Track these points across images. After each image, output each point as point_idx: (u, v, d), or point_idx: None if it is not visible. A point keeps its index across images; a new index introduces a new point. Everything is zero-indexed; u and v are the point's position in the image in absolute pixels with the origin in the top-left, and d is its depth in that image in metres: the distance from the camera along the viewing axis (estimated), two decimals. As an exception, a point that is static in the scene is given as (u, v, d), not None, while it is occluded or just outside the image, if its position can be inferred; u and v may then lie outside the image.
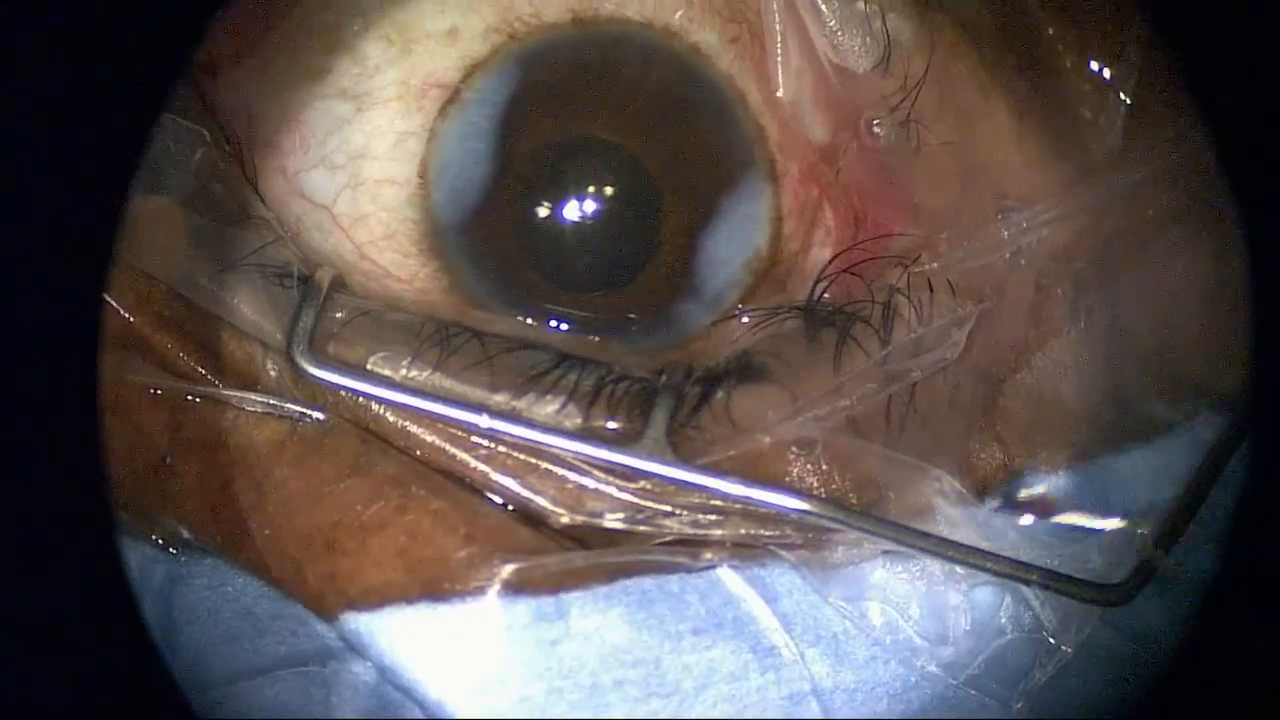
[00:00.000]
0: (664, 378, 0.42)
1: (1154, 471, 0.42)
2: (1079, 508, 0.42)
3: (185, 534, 0.43)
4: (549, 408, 0.42)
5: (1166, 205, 0.42)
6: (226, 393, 0.42)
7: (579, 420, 0.42)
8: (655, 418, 0.41)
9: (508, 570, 0.41)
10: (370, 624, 0.41)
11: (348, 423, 0.43)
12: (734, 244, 0.43)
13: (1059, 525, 0.42)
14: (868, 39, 0.41)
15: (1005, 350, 0.43)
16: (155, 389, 0.42)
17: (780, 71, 0.42)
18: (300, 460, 0.42)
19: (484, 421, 0.41)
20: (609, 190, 0.43)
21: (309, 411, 0.43)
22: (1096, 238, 0.42)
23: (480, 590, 0.41)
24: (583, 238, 0.43)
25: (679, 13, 0.43)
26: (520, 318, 0.44)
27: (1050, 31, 0.41)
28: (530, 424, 0.41)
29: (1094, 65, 0.41)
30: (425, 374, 0.42)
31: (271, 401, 0.43)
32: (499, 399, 0.42)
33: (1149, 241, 0.42)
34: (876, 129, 0.42)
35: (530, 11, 0.43)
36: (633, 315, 0.44)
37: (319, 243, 0.44)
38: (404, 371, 0.42)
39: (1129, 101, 0.41)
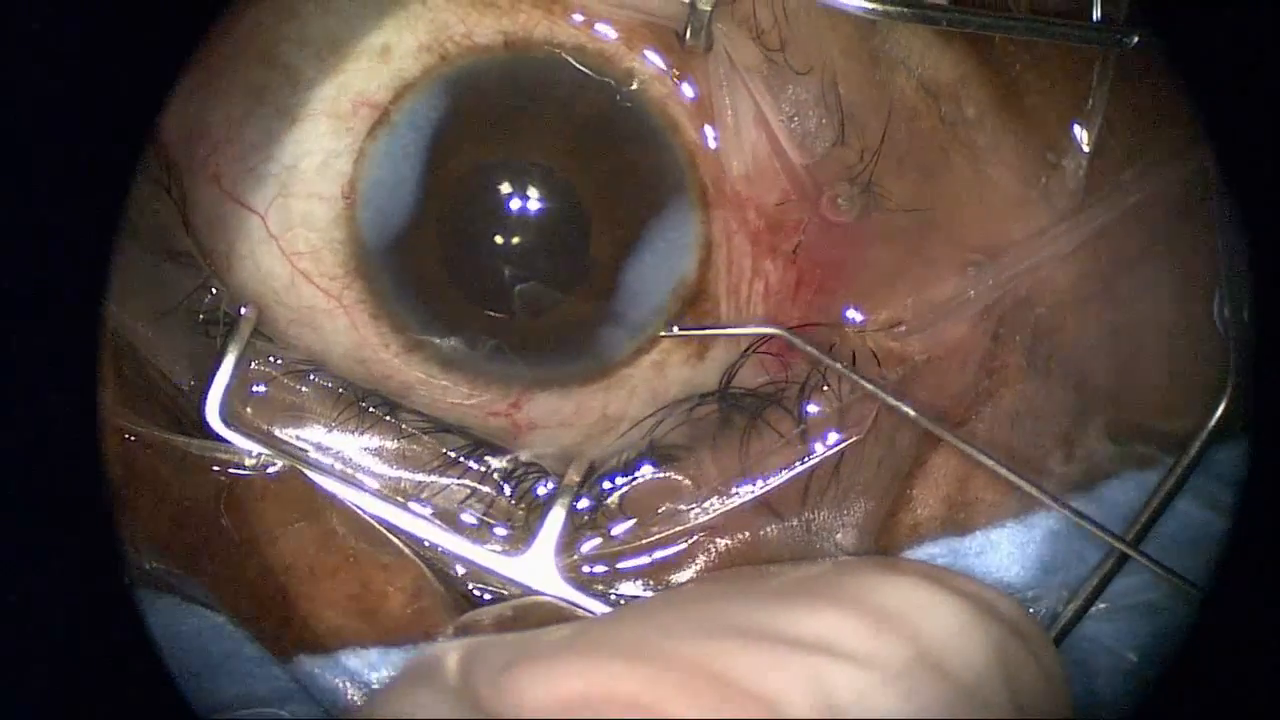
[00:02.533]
0: (569, 473, 0.44)
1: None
2: (1000, 567, 0.43)
3: (148, 565, 0.44)
4: (456, 495, 0.44)
5: (1128, 246, 0.42)
6: (171, 437, 0.43)
7: (481, 508, 0.44)
8: (550, 519, 0.43)
9: (455, 621, 0.43)
10: (325, 668, 0.43)
11: (299, 469, 0.44)
12: (661, 270, 0.44)
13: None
14: (823, 120, 0.41)
15: (951, 403, 0.43)
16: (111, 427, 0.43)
17: (734, 153, 0.43)
18: (247, 504, 0.44)
19: (378, 508, 0.44)
20: (537, 214, 0.43)
21: (256, 456, 0.44)
22: (1058, 282, 0.42)
23: (430, 638, 0.43)
24: (510, 262, 0.44)
25: (614, 39, 0.42)
26: (444, 339, 0.44)
27: (1015, 71, 0.41)
28: (426, 519, 0.44)
29: (1059, 105, 0.41)
30: (340, 445, 0.44)
31: (217, 448, 0.44)
32: (408, 477, 0.44)
33: (1111, 283, 0.42)
34: (840, 202, 0.42)
35: (463, 32, 0.42)
36: (559, 340, 0.44)
37: (249, 271, 0.44)
38: (318, 440, 0.44)
39: (1093, 141, 0.41)
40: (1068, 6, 0.39)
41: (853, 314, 0.43)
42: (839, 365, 0.42)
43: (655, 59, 0.42)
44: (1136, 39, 0.38)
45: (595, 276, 0.44)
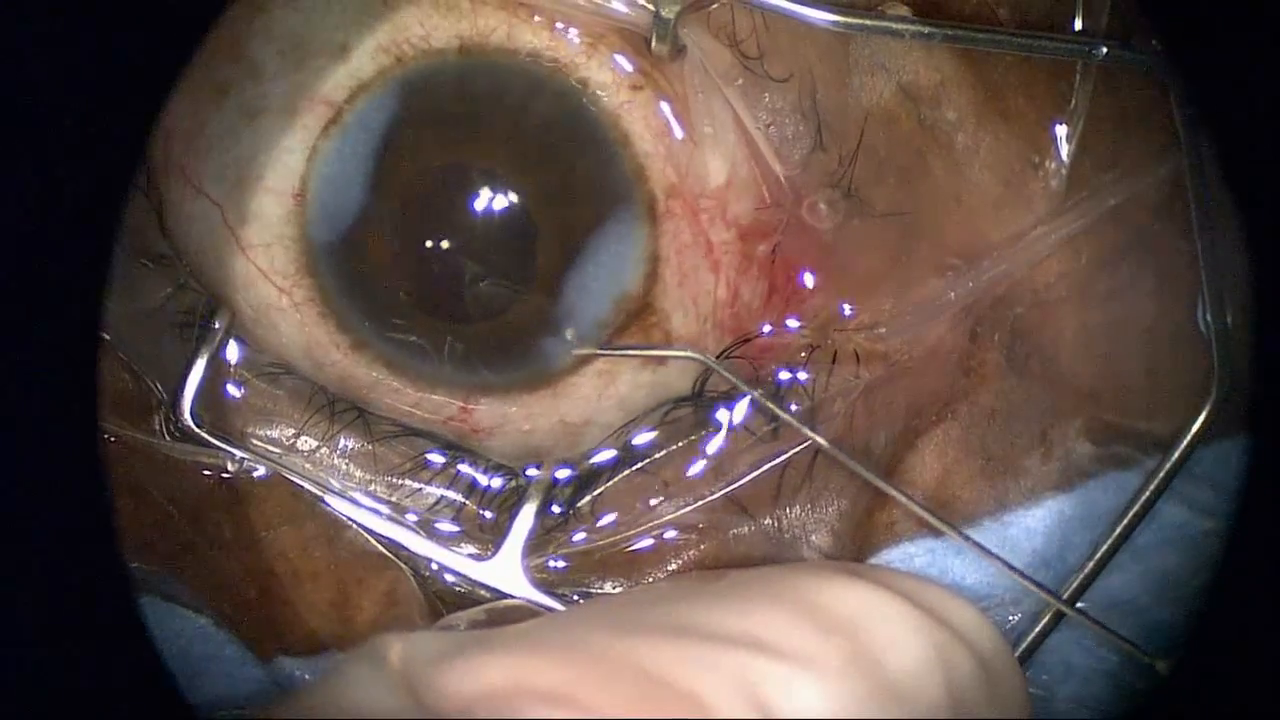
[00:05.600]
0: (538, 474, 0.45)
1: (1068, 521, 0.44)
2: (978, 567, 0.44)
3: (130, 566, 0.45)
4: (427, 499, 0.45)
5: (1109, 246, 0.42)
6: (149, 440, 0.45)
7: (451, 512, 0.45)
8: (518, 522, 0.45)
9: (433, 626, 0.45)
10: (305, 670, 0.45)
11: (279, 472, 0.46)
12: (604, 282, 0.44)
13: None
14: (800, 127, 0.42)
15: (928, 403, 0.44)
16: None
17: (710, 160, 0.43)
18: (231, 507, 0.46)
19: (351, 513, 0.45)
20: (484, 220, 0.44)
21: (239, 460, 0.45)
22: (1038, 282, 0.43)
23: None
24: (455, 266, 0.44)
25: (574, 47, 0.43)
26: (387, 340, 0.45)
27: (998, 73, 0.41)
28: (396, 523, 0.45)
29: (1042, 106, 0.41)
30: (311, 447, 0.45)
31: (196, 451, 0.45)
32: (379, 481, 0.45)
33: (1092, 283, 0.43)
34: (822, 208, 0.42)
35: (420, 34, 0.43)
36: (502, 347, 0.45)
37: (216, 270, 0.45)
38: (289, 443, 0.45)
39: (1075, 143, 0.41)
40: (1051, 12, 0.40)
41: (832, 316, 0.44)
42: (757, 393, 0.43)
43: (609, 72, 0.43)
44: (1105, 50, 0.38)
45: (539, 285, 0.44)
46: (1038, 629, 0.43)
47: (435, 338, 0.45)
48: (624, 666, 0.34)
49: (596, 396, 0.45)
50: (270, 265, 0.44)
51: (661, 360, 0.45)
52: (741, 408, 0.44)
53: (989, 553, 0.42)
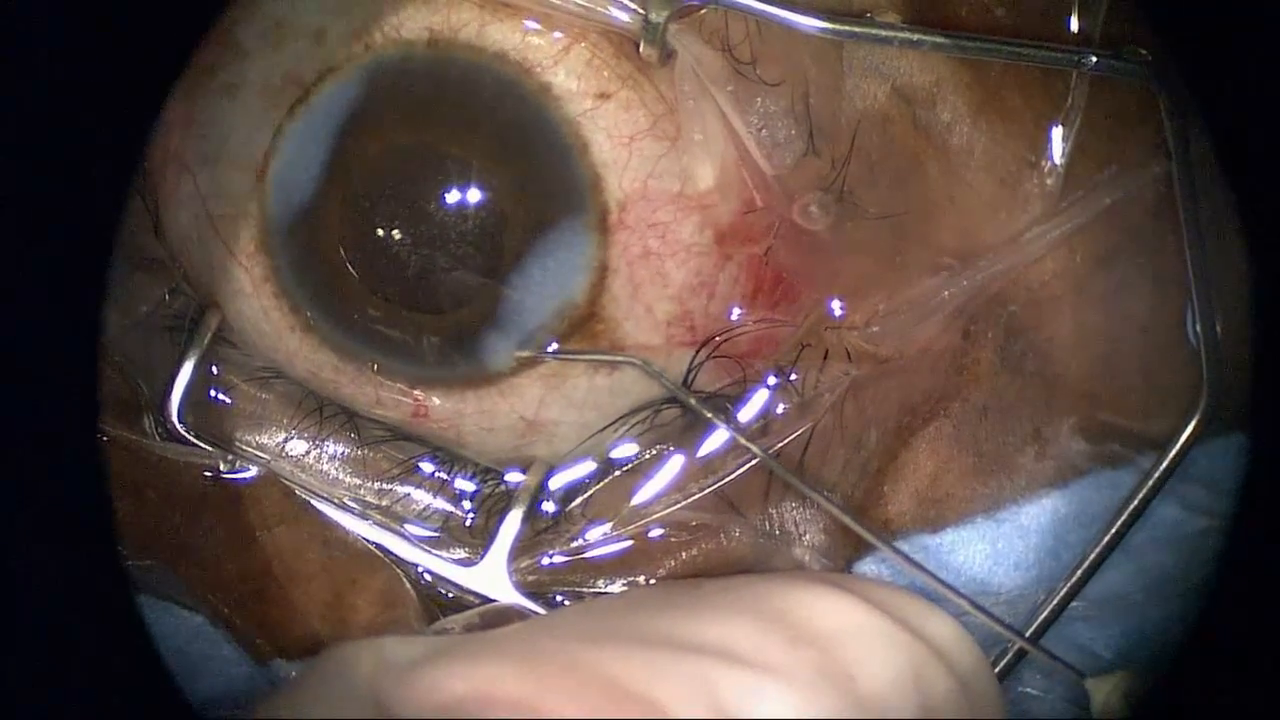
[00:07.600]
0: (526, 478, 0.45)
1: (1061, 519, 0.44)
2: (972, 564, 0.44)
3: (126, 564, 0.45)
4: (415, 504, 0.46)
5: (1104, 245, 0.42)
6: (142, 441, 0.45)
7: (440, 517, 0.46)
8: (505, 526, 0.45)
9: (427, 629, 0.45)
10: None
11: (272, 473, 0.46)
12: (548, 289, 0.45)
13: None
14: (792, 131, 0.42)
15: (920, 400, 0.44)
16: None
17: (698, 165, 0.43)
18: (226, 508, 0.46)
19: (339, 516, 0.46)
20: (435, 213, 0.44)
21: (231, 461, 0.46)
22: (1032, 281, 0.43)
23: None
24: (402, 257, 0.45)
25: (544, 53, 0.43)
26: (335, 325, 0.46)
27: (994, 73, 0.41)
28: (385, 527, 0.46)
29: (1039, 106, 0.41)
30: (301, 452, 0.46)
31: (189, 453, 0.46)
32: (368, 485, 0.46)
33: (1087, 282, 0.42)
34: (813, 210, 0.42)
35: (393, 23, 0.43)
36: (445, 339, 0.45)
37: (197, 260, 0.46)
38: (279, 447, 0.46)
39: (1072, 142, 0.40)
40: (1048, 12, 0.39)
41: (823, 316, 0.44)
42: (692, 401, 0.43)
43: (575, 79, 0.43)
44: (1095, 60, 0.38)
45: (483, 284, 0.44)
46: (1038, 621, 0.43)
47: (377, 325, 0.45)
48: (590, 675, 0.35)
49: (543, 397, 0.45)
50: (237, 243, 0.45)
51: (613, 365, 0.45)
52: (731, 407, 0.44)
53: (933, 575, 0.43)
